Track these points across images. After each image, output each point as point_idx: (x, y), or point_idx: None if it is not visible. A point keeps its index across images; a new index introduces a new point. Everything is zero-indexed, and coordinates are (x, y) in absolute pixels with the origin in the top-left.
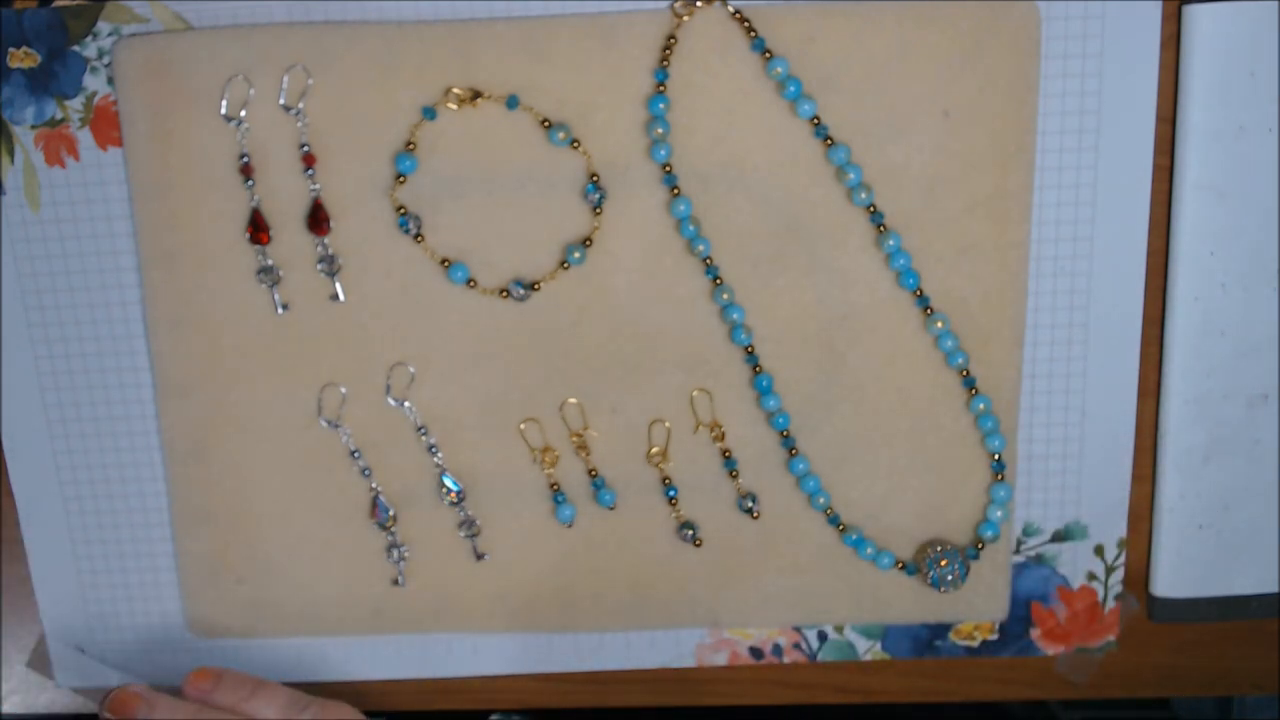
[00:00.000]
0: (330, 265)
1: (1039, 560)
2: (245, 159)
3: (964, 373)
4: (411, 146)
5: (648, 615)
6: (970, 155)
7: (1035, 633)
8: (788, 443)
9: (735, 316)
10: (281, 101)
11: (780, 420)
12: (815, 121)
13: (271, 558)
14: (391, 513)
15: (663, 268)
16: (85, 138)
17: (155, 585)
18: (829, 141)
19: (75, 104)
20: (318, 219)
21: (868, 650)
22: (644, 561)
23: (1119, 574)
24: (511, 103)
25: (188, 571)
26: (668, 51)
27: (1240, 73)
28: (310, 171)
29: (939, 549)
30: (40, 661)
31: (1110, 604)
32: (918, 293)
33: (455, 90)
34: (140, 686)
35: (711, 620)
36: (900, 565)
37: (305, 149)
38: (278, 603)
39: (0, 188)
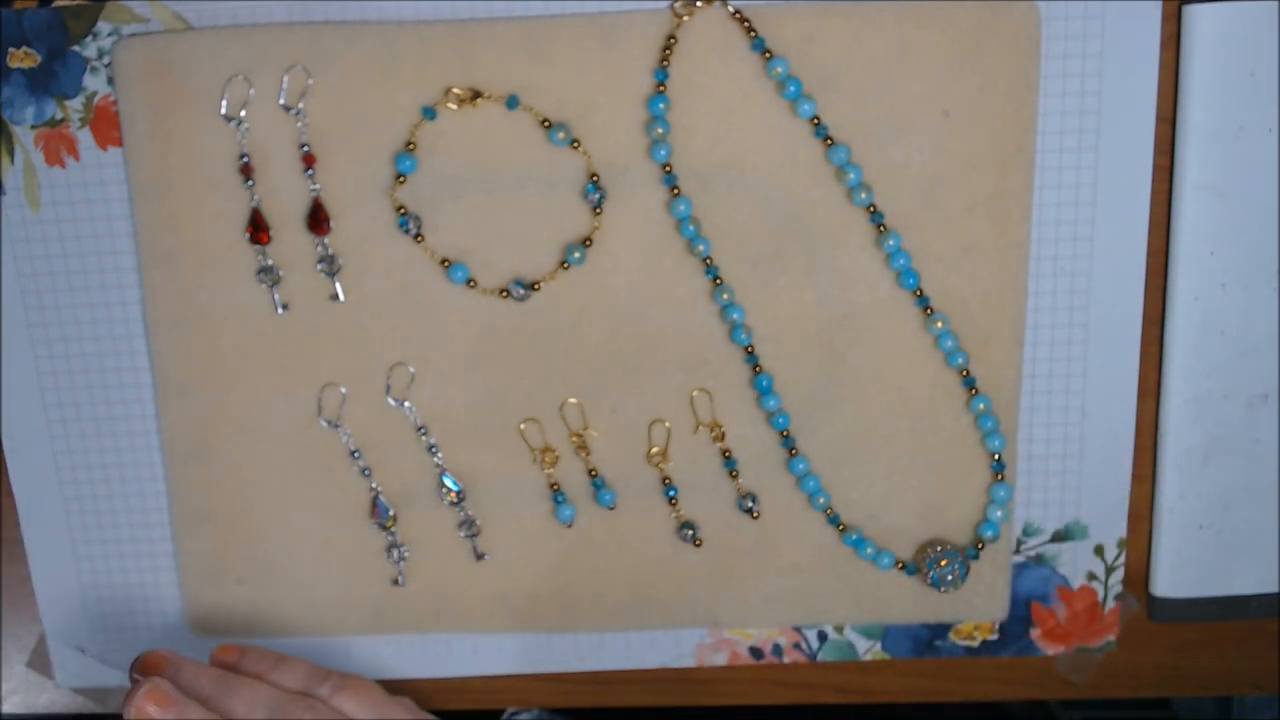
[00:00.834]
0: (330, 265)
1: (1039, 560)
2: (245, 159)
3: (964, 373)
4: (411, 146)
5: (648, 615)
6: (970, 155)
7: (1035, 633)
8: (788, 443)
9: (735, 316)
10: (281, 101)
11: (780, 420)
12: (815, 121)
13: (271, 558)
14: (391, 513)
15: (663, 268)
16: (85, 138)
17: (155, 585)
18: (829, 141)
19: (75, 104)
20: (318, 219)
21: (868, 650)
22: (644, 561)
23: (1119, 574)
24: (511, 103)
25: (188, 571)
26: (668, 51)
27: (1240, 73)
28: (310, 171)
29: (939, 549)
30: (40, 661)
31: (1110, 604)
32: (918, 293)
33: (455, 90)
34: (169, 651)
35: (711, 620)
36: (900, 565)
37: (305, 149)
38: (278, 603)
39: (0, 188)
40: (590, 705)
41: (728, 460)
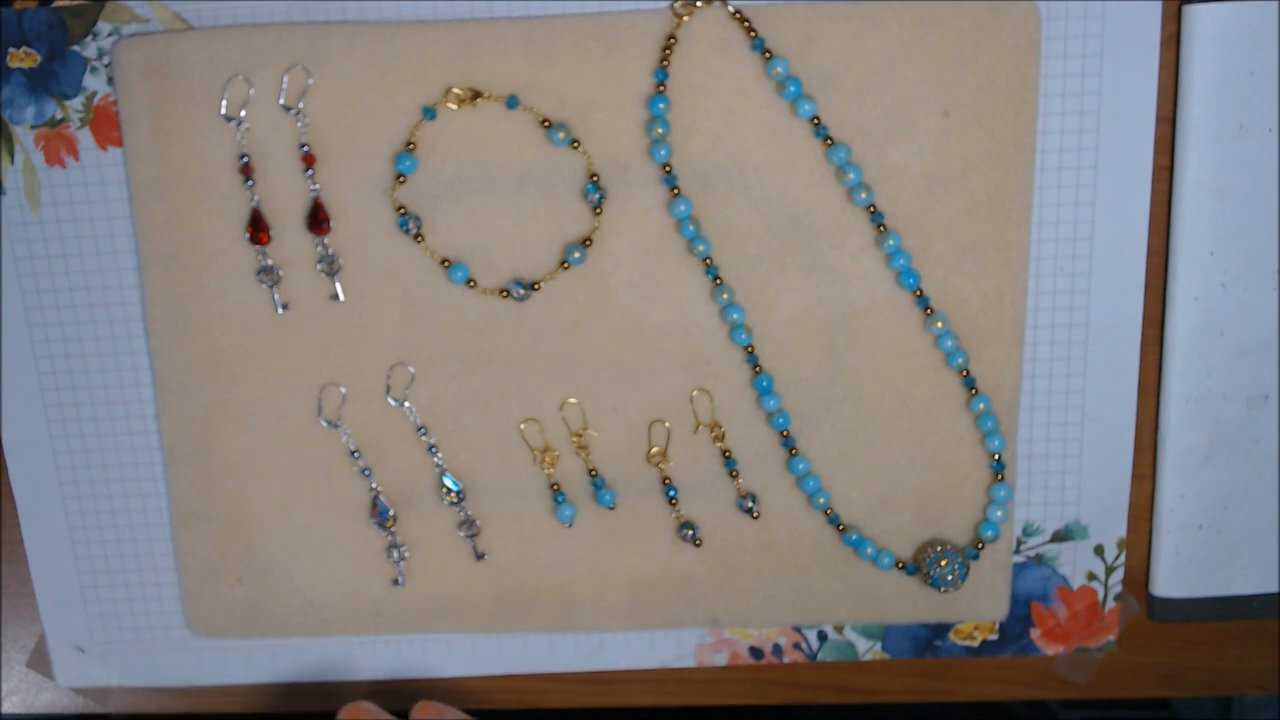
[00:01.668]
0: (330, 265)
1: (1039, 560)
2: (245, 159)
3: (964, 373)
4: (411, 146)
5: (648, 615)
6: (970, 155)
7: (1035, 633)
8: (788, 443)
9: (735, 316)
10: (281, 101)
11: (780, 420)
12: (815, 121)
13: (271, 558)
14: (391, 513)
15: (663, 268)
16: (85, 138)
17: (155, 585)
18: (829, 141)
19: (75, 104)
20: (318, 219)
21: (868, 650)
22: (644, 561)
23: (1119, 574)
24: (511, 103)
25: (188, 571)
26: (668, 51)
27: (1240, 73)
28: (310, 171)
29: (939, 549)
30: (40, 661)
31: (1110, 604)
32: (918, 293)
33: (455, 90)
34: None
35: (711, 620)
36: (900, 565)
37: (305, 149)
38: (278, 603)
39: (0, 188)
40: (590, 705)
41: (728, 460)
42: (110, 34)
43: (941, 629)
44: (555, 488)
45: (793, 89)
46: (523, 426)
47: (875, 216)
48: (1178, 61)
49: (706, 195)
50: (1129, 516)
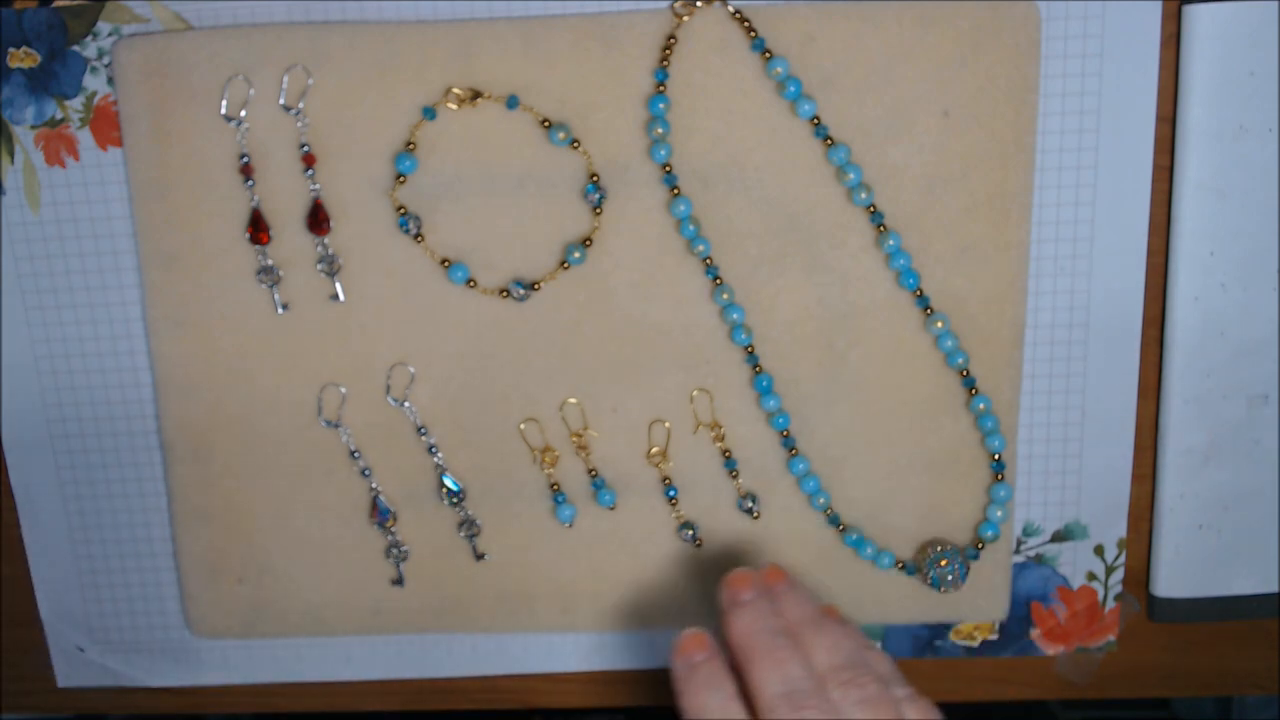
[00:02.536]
0: (330, 265)
1: (1039, 560)
2: (245, 159)
3: (964, 373)
4: (411, 146)
5: (648, 615)
6: (970, 155)
7: (1035, 633)
8: (788, 443)
9: (735, 316)
10: (281, 101)
11: (780, 420)
12: (815, 121)
13: (271, 558)
14: (391, 513)
15: (663, 268)
16: (85, 138)
17: (155, 585)
18: (829, 141)
19: (75, 104)
20: (318, 219)
21: None
22: (644, 561)
23: (1119, 574)
24: (511, 103)
25: (188, 571)
26: (668, 51)
27: (1240, 73)
28: (310, 171)
29: (939, 549)
30: (40, 661)
31: (1110, 604)
32: (918, 293)
33: (455, 90)
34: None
35: (711, 620)
36: (900, 565)
37: (305, 149)
38: (278, 603)
39: (0, 188)
40: (590, 705)
41: (728, 460)
42: (110, 34)
43: (941, 629)
44: (555, 488)
45: (793, 89)
46: (523, 426)
47: (875, 216)
48: (1178, 61)
49: (706, 195)
50: (1129, 516)
